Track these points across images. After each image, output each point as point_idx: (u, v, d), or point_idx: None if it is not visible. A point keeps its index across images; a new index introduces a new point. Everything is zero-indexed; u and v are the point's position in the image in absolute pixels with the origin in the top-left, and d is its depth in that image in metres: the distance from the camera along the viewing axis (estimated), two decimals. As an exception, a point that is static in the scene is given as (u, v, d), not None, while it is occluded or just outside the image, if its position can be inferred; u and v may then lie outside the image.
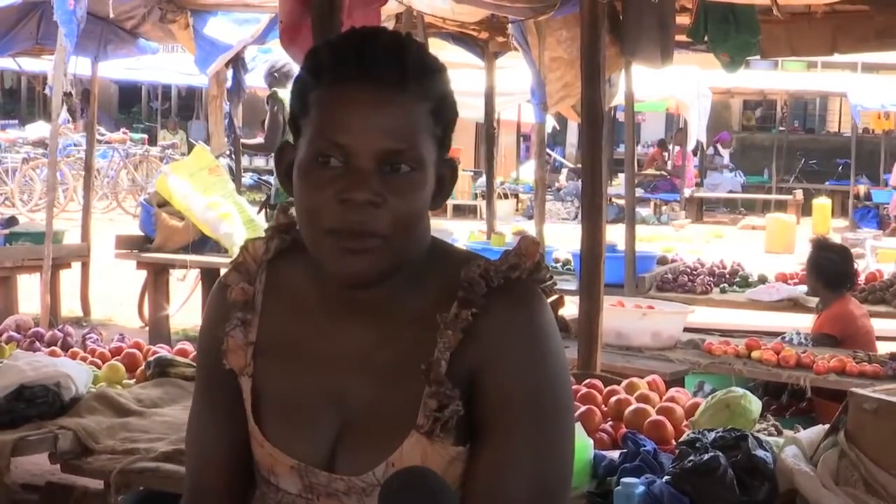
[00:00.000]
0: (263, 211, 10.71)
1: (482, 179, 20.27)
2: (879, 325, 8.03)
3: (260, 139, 11.89)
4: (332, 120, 1.96)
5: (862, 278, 9.26)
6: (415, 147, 1.97)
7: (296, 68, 11.86)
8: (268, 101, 11.01)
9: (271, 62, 10.89)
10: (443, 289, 2.05)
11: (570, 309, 6.44)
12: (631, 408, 4.67)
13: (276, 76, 10.64)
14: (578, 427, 4.14)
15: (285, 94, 11.20)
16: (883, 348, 7.60)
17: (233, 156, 12.71)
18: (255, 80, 12.81)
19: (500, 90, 12.67)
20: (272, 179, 12.76)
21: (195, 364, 3.00)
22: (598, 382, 5.11)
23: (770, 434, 4.45)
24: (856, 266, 8.01)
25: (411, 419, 2.02)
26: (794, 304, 8.87)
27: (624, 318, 7.10)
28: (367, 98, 1.95)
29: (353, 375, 2.07)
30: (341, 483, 2.07)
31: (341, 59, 1.98)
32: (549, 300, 2.11)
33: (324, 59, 2.01)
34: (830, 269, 7.64)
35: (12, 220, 11.62)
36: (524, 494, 1.99)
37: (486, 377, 2.01)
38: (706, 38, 8.68)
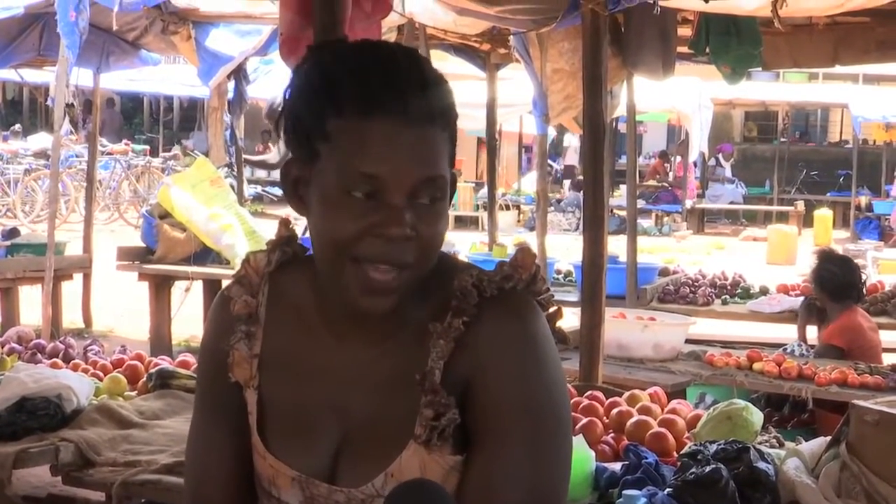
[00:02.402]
0: None
1: (484, 191, 20.29)
2: (882, 337, 8.01)
3: (263, 156, 11.97)
4: (365, 154, 1.93)
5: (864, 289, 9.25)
6: (443, 177, 1.98)
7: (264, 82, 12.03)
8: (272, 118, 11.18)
9: (269, 100, 11.05)
10: (440, 300, 2.05)
11: (572, 320, 6.44)
12: (633, 420, 4.67)
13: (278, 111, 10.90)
14: (580, 439, 4.14)
15: None
16: (885, 360, 7.59)
17: (233, 168, 12.78)
18: (256, 92, 12.87)
19: (501, 102, 12.68)
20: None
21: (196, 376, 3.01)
22: (600, 394, 5.11)
23: (772, 446, 4.45)
24: (862, 277, 7.99)
25: (409, 430, 2.02)
26: (795, 316, 8.87)
27: (626, 329, 7.10)
28: (400, 132, 1.93)
29: (354, 388, 2.07)
30: (341, 495, 2.07)
31: (368, 90, 1.95)
32: (548, 312, 2.11)
33: (346, 87, 1.96)
34: (835, 281, 7.64)
35: (14, 232, 11.63)
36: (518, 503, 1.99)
37: (479, 386, 2.01)
38: (707, 50, 8.69)
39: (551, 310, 2.13)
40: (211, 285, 9.83)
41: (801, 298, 8.81)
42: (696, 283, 9.92)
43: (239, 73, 11.39)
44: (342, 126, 1.95)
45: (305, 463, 2.10)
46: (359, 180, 1.94)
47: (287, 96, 2.06)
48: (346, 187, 1.95)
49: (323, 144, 1.98)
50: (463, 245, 12.49)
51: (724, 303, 9.71)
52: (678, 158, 27.40)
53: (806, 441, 4.32)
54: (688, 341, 7.43)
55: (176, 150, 25.66)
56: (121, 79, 19.52)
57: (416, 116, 1.94)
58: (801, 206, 25.96)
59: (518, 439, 1.99)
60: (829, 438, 3.97)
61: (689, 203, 25.97)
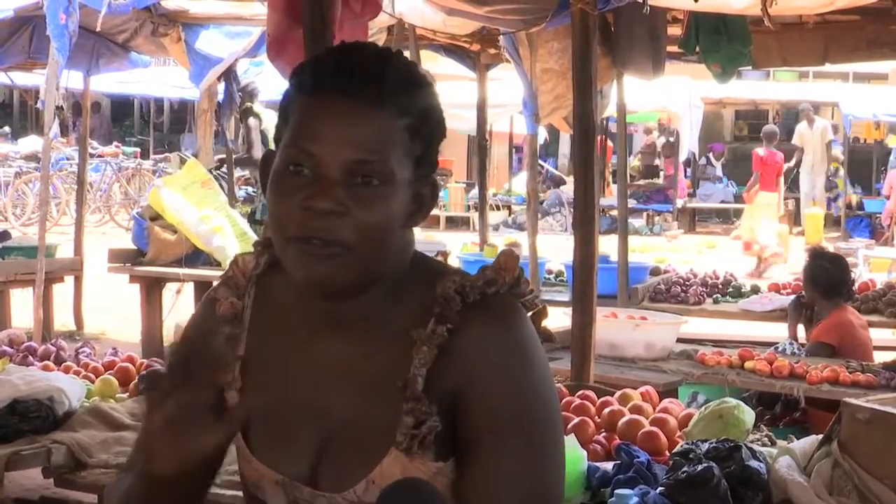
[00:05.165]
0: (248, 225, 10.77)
1: (475, 191, 20.28)
2: (873, 335, 8.03)
3: (244, 154, 12.02)
4: (306, 129, 1.98)
5: (854, 288, 9.26)
6: (384, 161, 1.97)
7: (260, 85, 12.31)
8: (242, 118, 11.36)
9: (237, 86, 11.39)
10: (422, 305, 2.05)
11: (563, 320, 6.45)
12: (624, 419, 4.67)
13: (241, 96, 11.21)
14: (572, 439, 4.14)
15: (259, 107, 11.63)
16: (877, 358, 7.60)
17: (222, 170, 12.81)
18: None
19: (491, 102, 12.69)
20: (254, 192, 12.92)
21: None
22: (592, 394, 5.12)
23: (764, 444, 4.46)
24: (853, 275, 8.01)
25: (390, 436, 2.01)
26: (786, 315, 8.87)
27: (617, 329, 7.10)
28: (341, 110, 1.97)
29: (333, 391, 2.07)
30: (323, 500, 2.07)
31: (320, 71, 2.00)
32: (532, 313, 2.11)
33: (306, 71, 2.03)
34: (827, 278, 7.65)
35: (5, 235, 11.60)
36: None
37: (469, 394, 2.01)
38: (698, 49, 8.71)
39: (536, 309, 2.13)
40: (202, 287, 9.80)
41: (793, 297, 8.82)
42: (687, 283, 9.93)
43: (229, 75, 11.40)
44: (296, 105, 2.01)
45: (288, 466, 2.09)
46: (298, 156, 1.97)
47: None
48: (288, 164, 1.98)
49: (284, 126, 2.03)
50: (454, 245, 12.48)
51: (716, 302, 9.73)
52: (665, 158, 27.39)
53: (798, 439, 4.33)
54: (679, 340, 7.44)
55: (172, 156, 25.60)
56: (111, 81, 19.51)
57: (362, 97, 1.97)
58: (791, 204, 25.96)
59: (512, 444, 1.99)
60: (820, 436, 3.97)
61: (680, 202, 25.97)
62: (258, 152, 11.73)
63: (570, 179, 25.93)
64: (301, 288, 2.03)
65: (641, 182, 26.39)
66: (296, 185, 1.97)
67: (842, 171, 25.16)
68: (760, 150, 19.11)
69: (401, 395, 2.00)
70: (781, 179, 19.28)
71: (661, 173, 27.00)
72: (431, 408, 2.00)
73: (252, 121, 11.85)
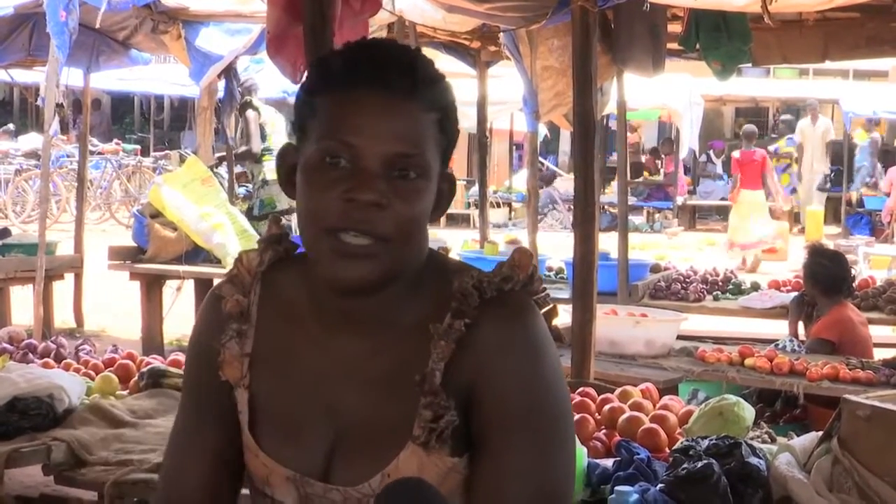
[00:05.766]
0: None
1: (475, 188, 20.26)
2: (872, 332, 8.03)
3: (243, 147, 12.03)
4: (344, 121, 1.98)
5: (855, 285, 9.26)
6: (422, 154, 1.99)
7: (259, 82, 12.38)
8: (241, 112, 11.46)
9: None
10: (437, 300, 2.05)
11: (563, 317, 6.44)
12: (624, 416, 4.67)
13: (241, 91, 11.37)
14: (572, 435, 4.14)
15: (258, 101, 11.68)
16: (877, 355, 7.60)
17: (222, 167, 12.82)
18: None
19: (492, 99, 12.70)
20: (251, 189, 12.91)
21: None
22: (592, 391, 5.12)
23: (763, 441, 4.46)
24: (853, 272, 8.00)
25: (407, 430, 2.02)
26: (786, 312, 8.87)
27: (617, 326, 7.10)
28: (379, 102, 1.97)
29: (346, 386, 2.07)
30: (337, 494, 2.07)
31: (353, 65, 2.01)
32: (543, 311, 2.11)
33: (334, 65, 2.03)
34: (826, 275, 7.65)
35: (5, 232, 11.59)
36: None
37: (483, 389, 2.02)
38: (698, 47, 8.70)
39: (547, 308, 2.14)
40: (202, 284, 9.81)
41: (793, 294, 8.82)
42: (687, 280, 9.92)
43: (229, 73, 11.40)
44: (328, 99, 2.00)
45: (299, 461, 2.09)
46: (337, 148, 1.97)
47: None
48: (324, 156, 1.99)
49: (311, 121, 2.03)
50: (455, 242, 12.47)
51: (716, 299, 9.72)
52: (664, 155, 27.38)
53: (798, 436, 4.33)
54: (679, 337, 7.44)
55: (172, 154, 25.58)
56: (111, 78, 19.49)
57: (398, 91, 1.98)
58: (792, 201, 25.95)
59: (525, 439, 2.00)
60: (820, 433, 3.97)
61: (680, 200, 25.96)
62: (256, 146, 11.79)
63: (561, 176, 26.02)
64: (327, 284, 2.02)
65: (640, 179, 26.37)
66: (334, 178, 1.97)
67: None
68: (736, 153, 19.33)
69: (418, 389, 2.01)
70: (769, 176, 19.32)
71: (661, 171, 26.97)
72: (450, 402, 2.00)
73: (251, 113, 11.89)
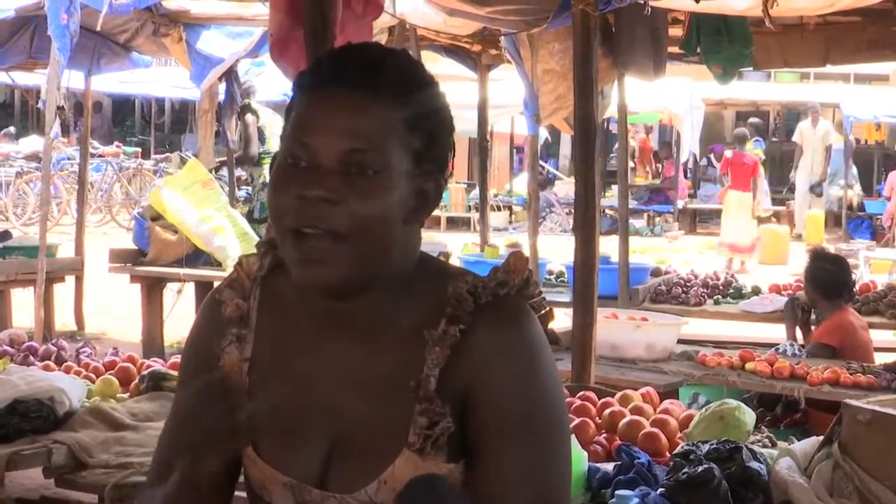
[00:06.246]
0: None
1: (475, 191, 20.27)
2: (873, 336, 8.03)
3: (241, 150, 12.06)
4: (305, 121, 1.99)
5: (855, 289, 9.26)
6: (380, 151, 1.96)
7: (257, 84, 12.44)
8: (240, 115, 11.50)
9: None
10: (432, 305, 2.04)
11: (564, 321, 6.44)
12: (625, 420, 4.67)
13: (241, 95, 11.53)
14: (572, 439, 4.14)
15: (256, 104, 11.73)
16: (877, 359, 7.60)
17: (222, 171, 12.84)
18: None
19: (493, 102, 12.70)
20: (251, 192, 12.94)
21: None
22: (592, 395, 5.12)
23: (764, 446, 4.46)
24: (853, 276, 8.01)
25: (402, 437, 2.01)
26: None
27: (618, 330, 7.10)
28: (338, 101, 1.97)
29: (342, 392, 2.06)
30: (334, 501, 2.06)
31: (321, 67, 2.02)
32: (539, 314, 2.11)
33: (311, 67, 2.05)
34: (828, 280, 7.65)
35: (6, 234, 11.60)
36: None
37: (479, 394, 2.01)
38: (699, 50, 8.71)
39: (543, 311, 2.13)
40: (203, 287, 9.82)
41: (787, 300, 8.82)
42: (688, 284, 9.93)
43: (230, 76, 11.41)
44: (298, 101, 2.02)
45: (296, 468, 2.08)
46: (296, 148, 1.98)
47: None
48: (286, 156, 2.00)
49: (287, 123, 2.04)
50: (455, 246, 12.47)
51: (717, 303, 9.72)
52: (664, 159, 27.39)
53: (798, 441, 4.33)
54: (680, 341, 7.44)
55: (173, 156, 25.59)
56: (112, 81, 19.49)
57: (359, 88, 1.97)
58: (792, 205, 25.95)
59: (521, 445, 1.99)
60: (821, 438, 3.97)
61: (680, 203, 25.96)
62: (255, 149, 11.83)
63: (561, 180, 26.02)
64: (299, 286, 2.03)
65: (640, 181, 26.39)
66: (292, 177, 1.97)
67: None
68: (728, 153, 19.41)
69: (413, 395, 2.00)
70: (758, 181, 19.40)
71: (661, 175, 26.98)
72: (445, 408, 1.99)
73: (249, 117, 11.91)
